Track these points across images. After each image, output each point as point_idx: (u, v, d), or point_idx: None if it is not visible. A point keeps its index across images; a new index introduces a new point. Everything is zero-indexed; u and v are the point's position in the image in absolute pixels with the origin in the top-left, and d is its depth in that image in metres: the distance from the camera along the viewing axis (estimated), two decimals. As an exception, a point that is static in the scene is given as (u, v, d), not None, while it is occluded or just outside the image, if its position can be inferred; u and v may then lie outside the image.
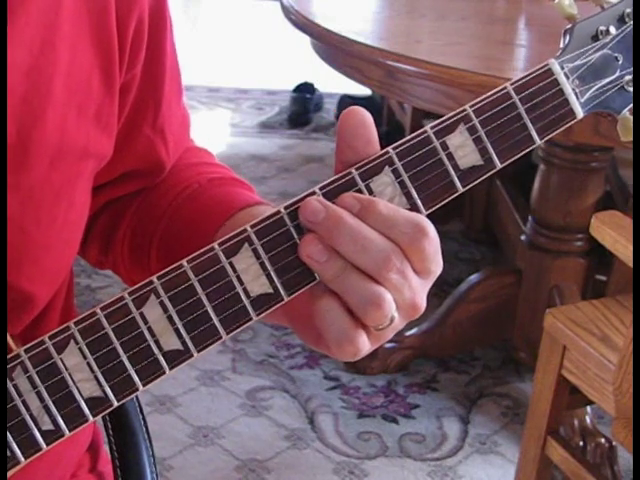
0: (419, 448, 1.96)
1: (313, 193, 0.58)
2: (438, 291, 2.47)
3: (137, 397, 0.86)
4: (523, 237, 2.14)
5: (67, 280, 0.77)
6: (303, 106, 3.69)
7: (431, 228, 0.57)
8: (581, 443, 1.83)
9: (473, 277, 2.22)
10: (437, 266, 0.58)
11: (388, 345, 2.16)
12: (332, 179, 0.58)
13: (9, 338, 0.57)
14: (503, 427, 2.02)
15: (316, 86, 3.79)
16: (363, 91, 3.41)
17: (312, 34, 1.93)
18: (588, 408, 1.85)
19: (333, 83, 3.42)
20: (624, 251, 1.38)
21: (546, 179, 2.03)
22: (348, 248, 0.56)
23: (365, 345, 0.58)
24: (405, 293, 0.57)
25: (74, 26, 0.64)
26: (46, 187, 0.65)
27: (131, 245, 0.78)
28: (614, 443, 1.81)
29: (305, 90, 3.76)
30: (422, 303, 0.58)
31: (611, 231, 1.40)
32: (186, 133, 0.83)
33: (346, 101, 3.60)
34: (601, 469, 1.79)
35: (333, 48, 1.88)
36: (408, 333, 2.18)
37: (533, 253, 2.08)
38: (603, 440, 1.83)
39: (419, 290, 0.58)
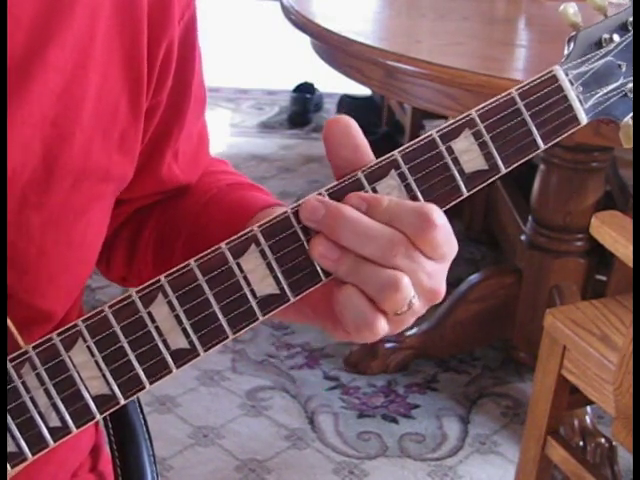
0: (419, 448, 1.96)
1: (320, 195, 0.58)
2: (438, 291, 2.47)
3: (138, 397, 0.86)
4: (523, 237, 2.14)
5: (81, 295, 0.77)
6: (303, 106, 3.69)
7: (438, 215, 0.57)
8: (581, 443, 1.83)
9: (473, 277, 2.22)
10: (451, 248, 0.58)
11: (388, 345, 2.16)
12: (338, 182, 0.59)
13: (18, 336, 0.58)
14: (503, 427, 2.02)
15: (316, 86, 3.78)
16: (363, 91, 3.41)
17: (312, 34, 1.93)
18: (588, 408, 1.85)
19: (333, 83, 3.42)
20: (624, 251, 1.38)
21: (546, 179, 2.03)
22: (352, 241, 0.56)
23: (384, 329, 0.58)
24: (421, 277, 0.57)
25: (106, 52, 0.65)
26: (67, 208, 0.66)
27: (154, 253, 0.79)
28: (614, 443, 1.81)
29: (305, 90, 3.76)
30: (441, 287, 0.59)
31: (611, 231, 1.40)
32: (205, 150, 0.83)
33: (346, 101, 3.60)
34: (601, 469, 1.79)
35: (333, 48, 1.88)
36: (408, 333, 2.18)
37: (533, 253, 2.08)
38: (603, 440, 1.83)
39: (435, 274, 0.58)
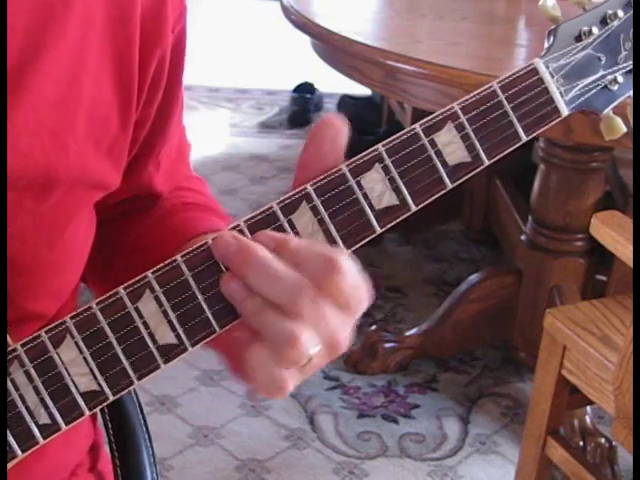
0: (419, 448, 1.96)
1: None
2: (438, 291, 2.47)
3: (137, 397, 0.87)
4: (523, 237, 2.14)
5: (74, 293, 0.77)
6: (303, 106, 3.69)
7: (345, 263, 0.56)
8: (581, 443, 1.83)
9: (473, 277, 2.22)
10: (358, 300, 0.57)
11: (388, 345, 2.16)
12: (322, 177, 0.59)
13: (7, 335, 0.58)
14: (503, 427, 2.02)
15: (316, 86, 3.78)
16: (363, 91, 3.41)
17: (312, 34, 1.93)
18: (588, 408, 1.85)
19: (333, 83, 3.42)
20: (624, 251, 1.38)
21: (546, 179, 2.03)
22: (258, 281, 0.56)
23: (291, 385, 0.58)
24: (323, 327, 0.56)
25: (99, 62, 0.65)
26: (58, 212, 0.66)
27: (102, 263, 0.79)
28: (614, 443, 1.81)
29: (305, 90, 3.75)
30: (344, 340, 0.58)
31: (611, 231, 1.40)
32: (183, 160, 0.83)
33: (346, 101, 3.60)
34: (601, 469, 1.79)
35: (333, 48, 1.88)
36: (408, 333, 2.18)
37: (533, 253, 2.08)
38: (603, 440, 1.83)
39: (339, 325, 0.57)
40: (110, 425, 0.84)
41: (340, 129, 0.58)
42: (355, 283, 0.57)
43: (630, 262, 1.35)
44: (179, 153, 0.81)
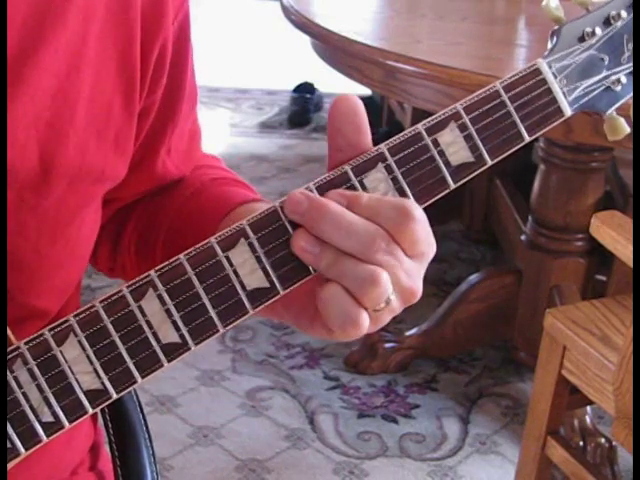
0: (419, 448, 1.96)
1: (307, 189, 0.59)
2: (438, 291, 2.47)
3: (137, 397, 0.87)
4: (523, 237, 2.14)
5: (76, 289, 0.77)
6: (303, 106, 3.69)
7: (417, 211, 0.57)
8: (581, 443, 1.83)
9: (473, 277, 2.22)
10: (429, 247, 0.59)
11: (388, 345, 2.16)
12: (326, 175, 0.59)
13: (9, 331, 0.58)
14: (503, 427, 2.02)
15: (316, 86, 3.78)
16: (363, 91, 3.41)
17: (312, 34, 1.93)
18: (588, 408, 1.85)
19: (333, 83, 3.42)
20: (624, 251, 1.38)
21: (546, 179, 2.03)
22: (334, 235, 0.56)
23: (367, 324, 0.58)
24: (400, 275, 0.57)
25: (100, 53, 0.65)
26: (62, 208, 0.66)
27: (137, 248, 0.79)
28: (614, 443, 1.81)
29: (305, 90, 3.76)
30: (418, 287, 0.59)
31: (611, 231, 1.40)
32: (197, 144, 0.83)
33: (346, 101, 3.59)
34: (601, 469, 1.79)
35: (333, 48, 1.88)
36: (408, 333, 2.18)
37: (533, 253, 2.08)
38: (603, 440, 1.83)
39: (414, 273, 0.58)
40: (110, 425, 0.84)
41: (355, 105, 0.60)
42: (427, 231, 0.58)
43: (630, 262, 1.35)
44: (191, 138, 0.81)
